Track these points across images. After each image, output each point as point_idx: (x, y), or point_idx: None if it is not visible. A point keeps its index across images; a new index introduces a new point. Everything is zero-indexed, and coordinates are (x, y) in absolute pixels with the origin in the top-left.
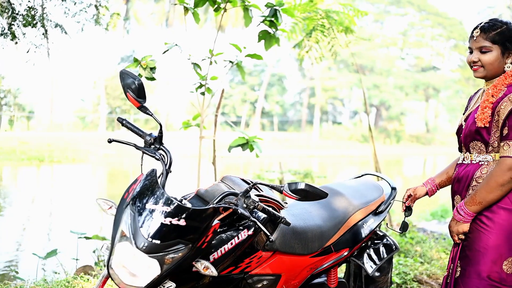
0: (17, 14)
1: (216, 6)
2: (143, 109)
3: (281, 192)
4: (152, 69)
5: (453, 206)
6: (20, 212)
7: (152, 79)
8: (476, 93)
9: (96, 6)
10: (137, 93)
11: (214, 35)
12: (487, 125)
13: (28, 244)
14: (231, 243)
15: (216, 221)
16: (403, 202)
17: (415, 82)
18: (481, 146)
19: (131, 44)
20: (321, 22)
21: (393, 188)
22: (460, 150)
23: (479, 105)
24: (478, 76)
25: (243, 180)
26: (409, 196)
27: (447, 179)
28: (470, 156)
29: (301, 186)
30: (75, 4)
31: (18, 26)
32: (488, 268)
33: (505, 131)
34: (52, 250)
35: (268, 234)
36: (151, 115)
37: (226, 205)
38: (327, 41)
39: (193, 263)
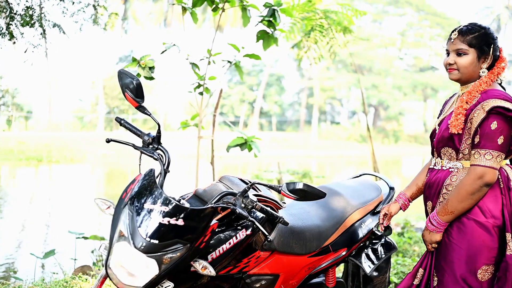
0: (15, 13)
1: (214, 6)
2: (141, 109)
3: (279, 192)
4: (151, 68)
5: (426, 211)
6: (18, 212)
7: (151, 78)
8: (451, 97)
9: (94, 6)
10: (135, 93)
11: (212, 35)
12: (460, 132)
13: (26, 244)
14: (229, 243)
15: (214, 221)
16: (381, 223)
17: (413, 82)
18: (452, 153)
19: (129, 44)
20: (319, 22)
21: (391, 188)
22: (433, 154)
23: (453, 111)
24: (453, 79)
25: (241, 180)
26: (385, 215)
27: (417, 190)
28: (441, 161)
29: (299, 186)
30: (73, 4)
31: (16, 26)
32: (464, 276)
33: (477, 139)
34: (50, 250)
35: (266, 234)
36: (149, 115)
37: (224, 205)
38: (325, 41)
39: (191, 263)
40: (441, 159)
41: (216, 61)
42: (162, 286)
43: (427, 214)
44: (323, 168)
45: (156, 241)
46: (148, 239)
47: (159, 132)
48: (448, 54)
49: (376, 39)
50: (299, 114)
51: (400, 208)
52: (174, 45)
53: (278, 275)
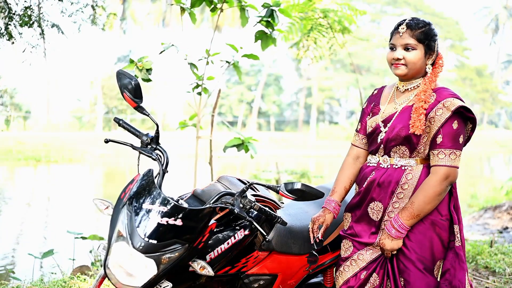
0: (14, 14)
1: (212, 6)
2: (139, 109)
3: (277, 192)
4: (148, 70)
5: (365, 213)
6: (16, 212)
7: (148, 80)
8: (379, 91)
9: (92, 6)
10: (134, 93)
11: (211, 35)
12: (422, 132)
13: (25, 244)
14: (228, 243)
15: (212, 221)
16: (316, 236)
17: None
18: (405, 151)
19: (128, 44)
20: (319, 22)
21: None
22: (374, 152)
23: (403, 109)
24: (399, 74)
25: (239, 180)
26: (318, 227)
27: (345, 193)
28: (390, 159)
29: (298, 186)
30: (71, 4)
31: (14, 26)
32: (429, 271)
33: (439, 139)
34: (48, 250)
35: (265, 234)
36: (147, 115)
37: (222, 205)
38: (325, 41)
39: (190, 263)
40: (389, 157)
41: (215, 61)
42: (160, 286)
43: (365, 215)
44: (321, 168)
45: (155, 241)
46: (146, 239)
47: (157, 132)
48: (392, 48)
49: (374, 39)
50: (298, 114)
51: (333, 217)
52: (173, 45)
53: (276, 275)
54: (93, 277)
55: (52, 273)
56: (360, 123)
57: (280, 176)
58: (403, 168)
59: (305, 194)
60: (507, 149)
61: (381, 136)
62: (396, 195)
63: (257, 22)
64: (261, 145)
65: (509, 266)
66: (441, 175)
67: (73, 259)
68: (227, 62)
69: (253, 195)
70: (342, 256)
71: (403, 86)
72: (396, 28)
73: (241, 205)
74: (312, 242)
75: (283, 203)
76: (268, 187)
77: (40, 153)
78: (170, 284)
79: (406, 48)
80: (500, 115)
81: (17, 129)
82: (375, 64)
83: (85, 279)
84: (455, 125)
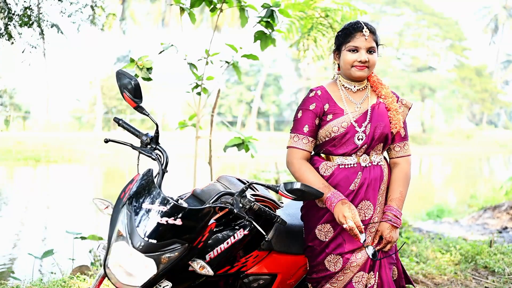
0: (13, 14)
1: (212, 6)
2: (139, 109)
3: (277, 191)
4: (149, 69)
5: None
6: (16, 212)
7: (149, 79)
8: (325, 91)
9: (92, 6)
10: (134, 93)
11: (210, 35)
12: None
13: (24, 244)
14: (227, 243)
15: (212, 221)
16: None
17: (411, 82)
18: (381, 148)
19: (127, 44)
20: (319, 21)
21: None
22: (350, 153)
23: (373, 108)
24: (362, 76)
25: (239, 180)
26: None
27: None
28: (369, 158)
29: (297, 186)
30: (71, 4)
31: (14, 26)
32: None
33: (403, 133)
34: (48, 250)
35: (264, 233)
36: (147, 115)
37: (222, 205)
38: (326, 40)
39: (189, 262)
40: (367, 155)
41: (214, 61)
42: (160, 286)
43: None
44: None
45: (155, 241)
46: (146, 238)
47: (157, 132)
48: (353, 51)
49: None
50: None
51: None
52: (172, 45)
53: (275, 275)
54: (93, 277)
55: (52, 273)
56: (306, 125)
57: (280, 176)
58: (379, 164)
59: (305, 194)
60: (506, 149)
61: (359, 136)
62: (380, 190)
63: (257, 23)
64: (260, 145)
65: (508, 266)
66: (410, 163)
67: (73, 259)
68: (226, 62)
69: (253, 195)
70: (330, 270)
71: (355, 87)
72: (359, 30)
73: (240, 205)
74: (365, 243)
75: (282, 202)
76: (268, 187)
77: (39, 153)
78: (170, 284)
79: (370, 51)
80: (499, 115)
81: (16, 129)
82: None
83: (84, 279)
84: (406, 119)
